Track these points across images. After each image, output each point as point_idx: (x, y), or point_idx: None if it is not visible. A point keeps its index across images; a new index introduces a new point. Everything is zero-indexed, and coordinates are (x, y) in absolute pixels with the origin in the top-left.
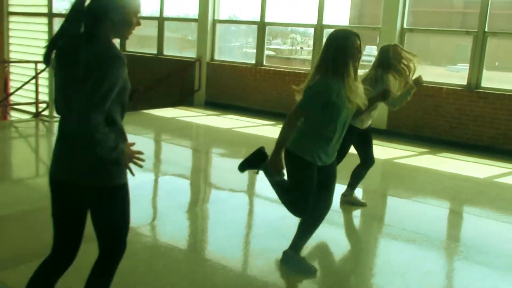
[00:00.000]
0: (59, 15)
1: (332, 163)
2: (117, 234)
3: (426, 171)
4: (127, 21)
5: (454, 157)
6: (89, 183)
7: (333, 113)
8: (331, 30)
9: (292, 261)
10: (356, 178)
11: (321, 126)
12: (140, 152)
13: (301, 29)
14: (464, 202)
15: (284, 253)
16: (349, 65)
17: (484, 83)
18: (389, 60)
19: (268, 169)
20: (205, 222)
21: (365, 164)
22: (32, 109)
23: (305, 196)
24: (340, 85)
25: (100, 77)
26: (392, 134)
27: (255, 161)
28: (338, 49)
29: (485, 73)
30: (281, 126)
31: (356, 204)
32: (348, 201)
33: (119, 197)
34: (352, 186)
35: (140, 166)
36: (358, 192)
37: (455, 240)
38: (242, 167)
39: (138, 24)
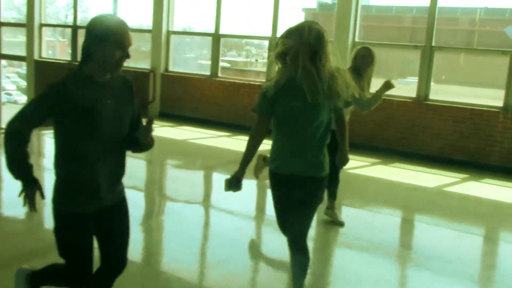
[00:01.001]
0: (6, 24)
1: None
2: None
3: (379, 181)
4: (108, 55)
5: (405, 167)
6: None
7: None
8: None
9: None
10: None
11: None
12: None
13: (256, 41)
14: (415, 210)
15: None
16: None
17: (432, 96)
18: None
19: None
20: (160, 234)
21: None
22: None
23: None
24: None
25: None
26: None
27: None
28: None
29: (433, 86)
30: (241, 137)
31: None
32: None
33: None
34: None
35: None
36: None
37: (406, 247)
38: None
39: (125, 57)
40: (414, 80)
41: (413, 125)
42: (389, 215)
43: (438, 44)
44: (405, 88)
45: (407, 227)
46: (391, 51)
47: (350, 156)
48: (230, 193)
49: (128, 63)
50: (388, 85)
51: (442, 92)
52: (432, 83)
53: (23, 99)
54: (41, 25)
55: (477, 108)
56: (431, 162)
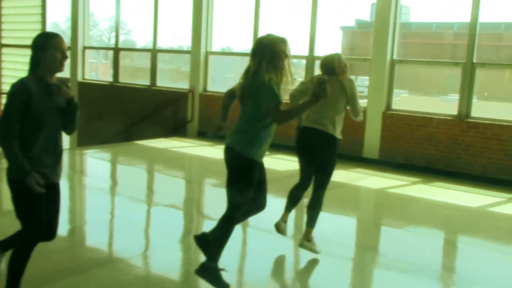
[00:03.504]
0: None
1: None
2: None
3: (419, 201)
4: (50, 58)
5: (446, 186)
6: None
7: None
8: None
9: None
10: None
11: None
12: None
13: (294, 60)
14: (457, 232)
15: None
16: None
17: (474, 113)
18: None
19: None
20: (198, 253)
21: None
22: None
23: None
24: None
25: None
26: (384, 163)
27: None
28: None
29: (475, 103)
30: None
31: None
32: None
33: None
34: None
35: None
36: (351, 222)
37: (448, 270)
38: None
39: (65, 57)
40: (456, 97)
41: (454, 143)
42: (430, 236)
43: (480, 60)
44: (447, 105)
45: (449, 248)
46: (432, 68)
47: (388, 175)
48: (268, 212)
49: (167, 83)
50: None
51: (485, 110)
52: (474, 100)
53: None
54: (84, 48)
55: None
56: (474, 181)
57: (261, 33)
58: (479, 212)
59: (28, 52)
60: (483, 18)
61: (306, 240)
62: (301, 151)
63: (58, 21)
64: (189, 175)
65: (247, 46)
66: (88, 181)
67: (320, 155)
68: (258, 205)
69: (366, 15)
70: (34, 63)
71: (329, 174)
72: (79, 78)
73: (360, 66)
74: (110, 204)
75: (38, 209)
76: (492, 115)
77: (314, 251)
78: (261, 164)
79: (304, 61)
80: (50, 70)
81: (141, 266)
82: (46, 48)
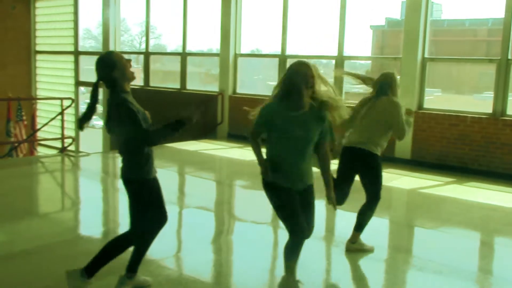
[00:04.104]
0: (85, 53)
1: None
2: None
3: (453, 201)
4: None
5: (481, 186)
6: None
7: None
8: (353, 61)
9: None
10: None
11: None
12: None
13: (324, 61)
14: (493, 232)
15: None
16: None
17: (510, 111)
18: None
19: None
20: (229, 254)
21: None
22: (58, 144)
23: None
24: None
25: None
26: (417, 163)
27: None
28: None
29: (511, 100)
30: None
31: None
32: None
33: None
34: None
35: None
36: (384, 223)
37: (484, 271)
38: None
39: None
40: (490, 95)
41: (489, 142)
42: (464, 237)
43: None
44: (481, 103)
45: (484, 250)
46: (465, 66)
47: (421, 175)
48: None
49: (197, 86)
50: (409, 114)
51: None
52: (510, 98)
53: (99, 123)
54: None
55: None
56: (510, 180)
57: (290, 34)
58: None
59: (62, 57)
60: None
61: (351, 242)
62: None
63: (90, 26)
64: (220, 177)
65: (276, 47)
66: (120, 183)
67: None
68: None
69: (396, 13)
70: (110, 82)
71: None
72: None
73: (390, 65)
74: None
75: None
76: None
77: (364, 249)
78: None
79: (333, 61)
80: (128, 80)
81: (173, 267)
82: (116, 64)
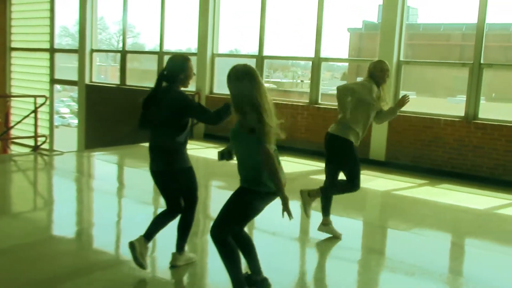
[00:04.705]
0: (60, 50)
1: None
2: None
3: (425, 203)
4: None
5: (453, 188)
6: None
7: None
8: (330, 63)
9: None
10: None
11: None
12: None
13: (302, 62)
14: (464, 234)
15: None
16: None
17: (482, 114)
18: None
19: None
20: (205, 254)
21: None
22: (32, 142)
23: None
24: None
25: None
26: (391, 165)
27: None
28: None
29: (483, 104)
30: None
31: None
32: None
33: None
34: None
35: None
36: (357, 225)
37: (455, 273)
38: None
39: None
40: (463, 98)
41: (461, 145)
42: (437, 239)
43: (488, 61)
44: (454, 107)
45: (456, 251)
46: (439, 69)
47: (394, 177)
48: (273, 213)
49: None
50: (404, 101)
51: (493, 111)
52: (482, 102)
53: (76, 122)
54: (92, 51)
55: None
56: (481, 183)
57: (268, 35)
58: (487, 214)
59: (37, 55)
60: (491, 19)
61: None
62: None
63: (67, 24)
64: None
65: (254, 48)
66: (95, 183)
67: None
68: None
69: (373, 16)
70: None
71: None
72: (87, 81)
73: (367, 67)
74: (116, 206)
75: None
76: (500, 116)
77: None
78: None
79: (310, 63)
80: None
81: (148, 268)
82: (185, 69)
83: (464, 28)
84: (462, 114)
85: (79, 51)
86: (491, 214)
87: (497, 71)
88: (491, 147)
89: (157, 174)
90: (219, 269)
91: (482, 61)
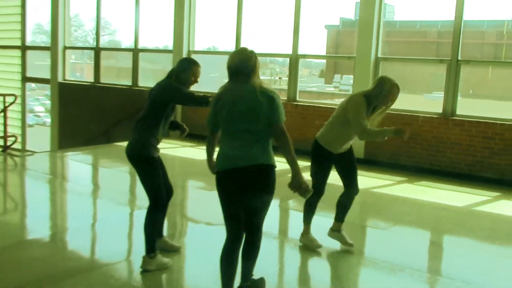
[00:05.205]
0: (32, 47)
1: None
2: None
3: (405, 201)
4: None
5: (432, 185)
6: None
7: None
8: (308, 59)
9: None
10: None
11: None
12: None
13: (280, 59)
14: (444, 232)
15: None
16: None
17: (460, 111)
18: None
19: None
20: (182, 257)
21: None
22: (1, 143)
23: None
24: None
25: None
26: (370, 163)
27: None
28: None
29: (461, 100)
30: None
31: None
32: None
33: None
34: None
35: None
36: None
37: (435, 272)
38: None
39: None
40: (441, 95)
41: (440, 142)
42: (416, 237)
43: (465, 58)
44: (432, 103)
45: (435, 249)
46: (417, 66)
47: (373, 174)
48: None
49: (151, 83)
50: (398, 132)
51: (470, 107)
52: (459, 98)
53: (48, 120)
54: (65, 48)
55: (507, 123)
56: (460, 180)
57: (245, 32)
58: (465, 212)
59: (8, 52)
60: (466, 16)
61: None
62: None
63: (42, 22)
64: (171, 177)
65: (231, 45)
66: (68, 185)
67: None
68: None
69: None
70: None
71: None
72: (60, 79)
73: (344, 64)
74: (91, 209)
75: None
76: (477, 113)
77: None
78: None
79: (288, 60)
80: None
81: (124, 272)
82: (186, 70)
83: (439, 26)
84: (440, 110)
85: (52, 48)
86: (470, 211)
87: (474, 67)
88: (468, 144)
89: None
90: (196, 274)
91: (459, 58)
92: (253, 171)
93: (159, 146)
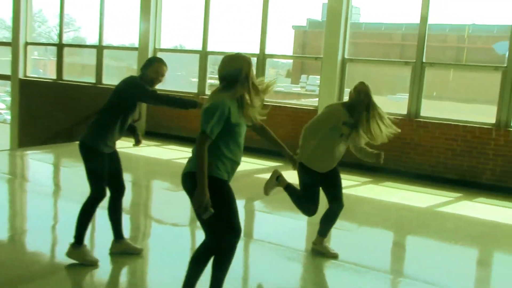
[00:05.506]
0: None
1: None
2: None
3: (370, 202)
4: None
5: (396, 186)
6: None
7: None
8: (275, 59)
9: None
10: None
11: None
12: None
13: None
14: (407, 233)
15: None
16: None
17: (423, 113)
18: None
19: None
20: (146, 259)
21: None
22: None
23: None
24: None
25: None
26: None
27: None
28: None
29: (424, 102)
30: None
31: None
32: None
33: None
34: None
35: None
36: (301, 225)
37: (397, 272)
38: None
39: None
40: (405, 96)
41: (404, 143)
42: (381, 238)
43: (429, 60)
44: (396, 105)
45: (399, 250)
46: (382, 68)
47: (341, 176)
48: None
49: (115, 81)
50: (377, 158)
51: (434, 109)
52: (423, 100)
53: (8, 117)
54: (27, 44)
55: (469, 125)
56: (423, 181)
57: (212, 31)
58: (429, 213)
59: None
60: (431, 20)
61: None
62: None
63: (4, 17)
64: (136, 177)
65: (198, 44)
66: (29, 185)
67: None
68: None
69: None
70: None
71: None
72: (20, 75)
73: (311, 65)
74: (52, 210)
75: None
76: (440, 115)
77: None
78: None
79: (255, 59)
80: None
81: (83, 276)
82: (148, 67)
83: (403, 28)
84: (405, 112)
85: (13, 43)
86: (433, 212)
87: (438, 70)
88: (432, 145)
89: None
90: (160, 279)
91: (424, 60)
92: None
93: (113, 144)
